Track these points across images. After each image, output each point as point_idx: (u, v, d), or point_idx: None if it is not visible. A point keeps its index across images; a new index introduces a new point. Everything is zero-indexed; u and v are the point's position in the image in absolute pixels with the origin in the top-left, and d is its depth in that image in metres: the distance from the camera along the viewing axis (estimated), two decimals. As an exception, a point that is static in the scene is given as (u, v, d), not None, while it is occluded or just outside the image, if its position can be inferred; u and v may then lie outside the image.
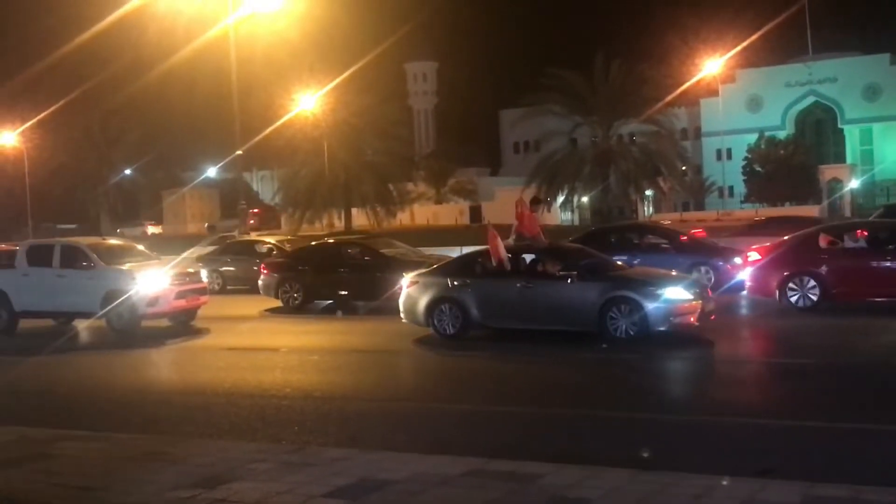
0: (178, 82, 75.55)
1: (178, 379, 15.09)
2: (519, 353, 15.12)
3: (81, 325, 20.89)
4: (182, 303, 19.86)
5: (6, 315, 20.65)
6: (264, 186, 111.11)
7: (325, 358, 15.90)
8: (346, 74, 55.30)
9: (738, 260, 21.65)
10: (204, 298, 20.60)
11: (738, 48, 73.19)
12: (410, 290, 16.87)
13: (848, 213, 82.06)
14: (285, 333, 19.45)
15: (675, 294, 14.90)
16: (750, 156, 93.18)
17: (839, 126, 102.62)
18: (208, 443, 9.41)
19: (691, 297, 14.99)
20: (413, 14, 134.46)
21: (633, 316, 14.71)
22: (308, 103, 57.63)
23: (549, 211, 63.19)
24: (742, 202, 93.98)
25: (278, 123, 50.87)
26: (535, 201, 20.48)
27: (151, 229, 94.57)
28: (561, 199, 60.80)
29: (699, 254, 22.89)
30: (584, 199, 62.94)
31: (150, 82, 62.80)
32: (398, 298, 17.35)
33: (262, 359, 15.89)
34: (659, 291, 14.86)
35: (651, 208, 79.60)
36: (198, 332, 19.60)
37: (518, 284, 15.87)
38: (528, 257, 17.01)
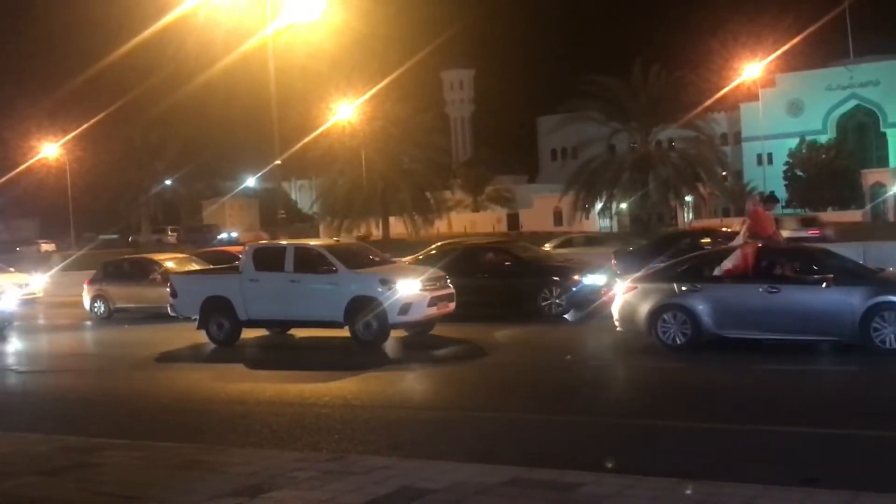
0: (218, 93, 76.21)
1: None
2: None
3: (300, 335, 19.46)
4: (434, 310, 17.66)
5: (228, 325, 18.56)
6: (303, 196, 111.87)
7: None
8: (382, 84, 55.55)
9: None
10: (452, 305, 18.29)
11: (778, 52, 72.52)
12: (628, 296, 15.44)
13: (892, 217, 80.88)
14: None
15: None
16: (791, 160, 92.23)
17: (882, 130, 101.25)
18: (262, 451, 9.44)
19: None
20: (449, 22, 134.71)
21: None
22: (345, 113, 57.95)
23: (587, 218, 62.90)
24: (783, 207, 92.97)
25: (316, 133, 51.17)
26: (770, 199, 18.12)
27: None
28: (599, 206, 60.48)
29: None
30: (623, 206, 62.48)
31: (189, 94, 63.47)
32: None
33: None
34: None
35: (691, 214, 78.91)
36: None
37: (760, 289, 14.21)
38: (767, 259, 15.00)
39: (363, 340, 17.27)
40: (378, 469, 8.17)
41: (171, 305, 19.96)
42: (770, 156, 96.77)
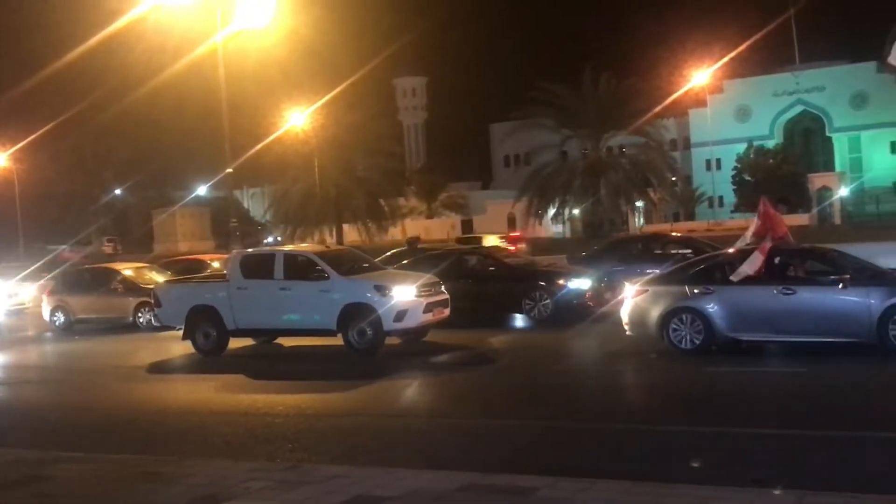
0: (168, 101, 75.58)
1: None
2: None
3: (289, 344, 19.03)
4: (429, 317, 17.38)
5: (215, 334, 18.15)
6: (255, 204, 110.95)
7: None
8: (335, 91, 55.42)
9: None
10: (447, 311, 17.98)
11: (725, 59, 73.52)
12: (638, 299, 15.23)
13: (838, 220, 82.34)
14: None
15: None
16: (739, 165, 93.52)
17: (827, 134, 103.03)
18: (210, 462, 9.39)
19: None
20: (401, 30, 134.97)
21: None
22: (298, 120, 57.69)
23: (540, 224, 63.28)
24: (732, 212, 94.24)
25: (268, 140, 50.86)
26: (781, 201, 17.48)
27: None
28: (552, 211, 60.90)
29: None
30: (576, 212, 62.98)
31: (139, 101, 62.78)
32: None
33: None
34: None
35: (642, 219, 79.75)
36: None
37: (775, 291, 14.08)
38: (781, 260, 14.94)
39: (357, 349, 16.96)
40: (333, 478, 8.16)
41: (155, 315, 19.67)
42: (719, 161, 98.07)
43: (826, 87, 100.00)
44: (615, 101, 54.53)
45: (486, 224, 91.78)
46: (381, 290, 16.90)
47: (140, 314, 24.32)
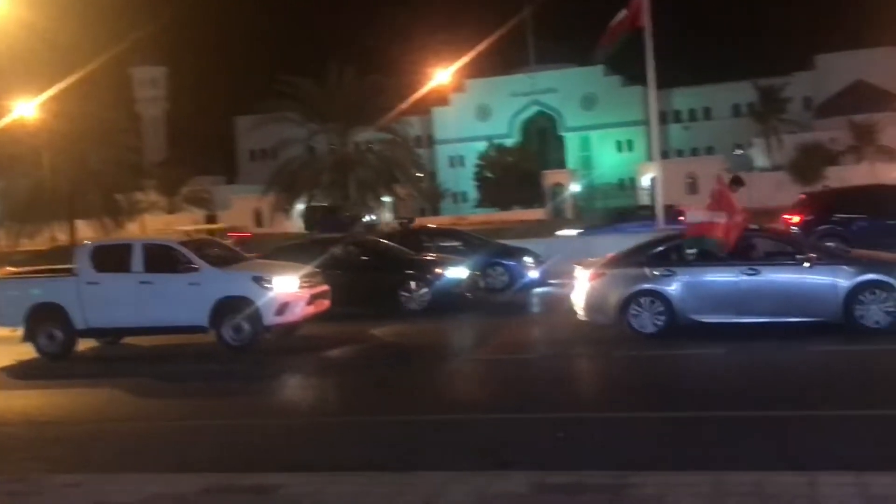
0: None
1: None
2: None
3: (143, 343, 17.34)
4: (311, 309, 16.41)
5: (61, 335, 16.44)
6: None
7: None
8: (67, 81, 52.27)
9: (528, 259, 23.14)
10: (327, 303, 17.07)
11: (466, 58, 75.92)
12: (595, 283, 14.51)
13: (570, 214, 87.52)
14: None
15: None
16: (481, 163, 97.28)
17: (560, 133, 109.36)
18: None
19: None
20: (140, 18, 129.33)
21: (887, 303, 13.13)
22: (25, 111, 53.98)
23: (288, 219, 62.86)
24: (475, 207, 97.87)
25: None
26: (736, 181, 16.49)
27: None
28: (300, 207, 60.62)
29: (493, 254, 23.99)
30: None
31: None
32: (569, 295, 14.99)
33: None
34: None
35: (390, 215, 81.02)
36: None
37: (738, 271, 13.75)
38: (742, 241, 14.44)
39: (233, 346, 15.75)
40: (67, 487, 7.76)
41: None
42: (462, 158, 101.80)
43: (559, 88, 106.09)
44: (361, 97, 54.93)
45: (232, 219, 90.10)
46: (261, 281, 15.89)
47: None
